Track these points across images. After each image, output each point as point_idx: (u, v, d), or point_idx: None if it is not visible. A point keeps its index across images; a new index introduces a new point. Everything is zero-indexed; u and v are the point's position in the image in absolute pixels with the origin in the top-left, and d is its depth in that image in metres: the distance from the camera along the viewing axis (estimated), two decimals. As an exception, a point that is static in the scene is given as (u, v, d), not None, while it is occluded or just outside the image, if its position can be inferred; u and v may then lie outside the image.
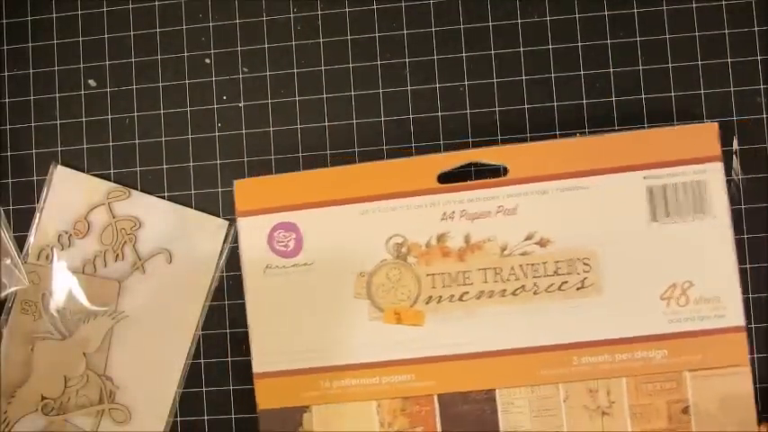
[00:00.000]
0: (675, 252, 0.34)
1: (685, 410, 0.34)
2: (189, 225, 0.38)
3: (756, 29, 0.37)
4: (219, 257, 0.38)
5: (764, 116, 0.37)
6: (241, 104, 0.39)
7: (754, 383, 0.36)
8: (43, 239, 0.38)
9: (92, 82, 0.39)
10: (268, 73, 0.39)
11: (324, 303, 0.35)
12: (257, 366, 0.35)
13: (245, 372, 0.37)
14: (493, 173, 0.36)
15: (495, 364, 0.35)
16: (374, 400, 0.35)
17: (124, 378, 0.38)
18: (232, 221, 0.38)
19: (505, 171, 0.35)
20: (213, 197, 0.38)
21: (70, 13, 0.40)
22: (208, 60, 0.39)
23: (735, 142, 0.37)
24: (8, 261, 0.38)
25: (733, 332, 0.34)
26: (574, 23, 0.38)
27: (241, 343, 0.37)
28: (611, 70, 0.37)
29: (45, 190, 0.39)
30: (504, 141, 0.37)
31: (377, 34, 0.38)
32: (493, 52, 0.38)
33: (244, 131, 0.39)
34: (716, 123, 0.34)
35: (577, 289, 0.34)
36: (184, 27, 0.39)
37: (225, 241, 0.38)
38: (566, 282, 0.35)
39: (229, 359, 0.38)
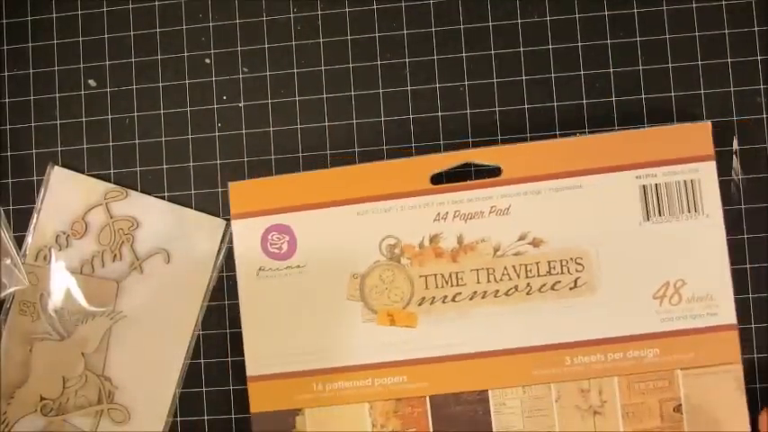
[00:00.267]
0: (668, 251, 0.34)
1: (677, 409, 0.34)
2: (186, 225, 0.38)
3: (756, 29, 0.37)
4: (217, 257, 0.38)
5: (764, 116, 0.37)
6: (241, 104, 0.39)
7: (755, 383, 0.36)
8: (41, 240, 0.38)
9: (92, 82, 0.39)
10: (268, 73, 0.39)
11: (317, 306, 0.35)
12: (251, 369, 0.35)
13: (244, 371, 0.36)
14: (489, 173, 0.36)
15: (487, 365, 0.35)
16: (367, 402, 0.35)
17: (123, 378, 0.38)
18: (230, 221, 0.38)
19: (499, 171, 0.35)
20: (213, 197, 0.38)
21: (70, 13, 0.40)
22: (208, 60, 0.39)
23: (735, 142, 0.37)
24: (8, 261, 0.38)
25: (725, 330, 0.34)
26: (574, 23, 0.38)
27: (240, 342, 0.37)
28: (611, 70, 0.37)
29: (42, 191, 0.39)
30: (505, 141, 0.37)
31: (377, 34, 0.38)
32: (493, 52, 0.38)
33: (244, 131, 0.39)
34: (709, 123, 0.34)
35: (570, 289, 0.34)
36: (184, 27, 0.39)
37: (222, 241, 0.38)
38: (559, 282, 0.35)
39: (229, 359, 0.38)
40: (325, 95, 0.38)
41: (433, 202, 0.35)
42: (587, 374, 0.34)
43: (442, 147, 0.38)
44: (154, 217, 0.38)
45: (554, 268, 0.35)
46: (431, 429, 0.35)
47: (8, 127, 0.40)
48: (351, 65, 0.38)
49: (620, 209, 0.35)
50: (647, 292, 0.34)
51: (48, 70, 0.40)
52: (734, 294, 0.34)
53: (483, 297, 0.35)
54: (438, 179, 0.36)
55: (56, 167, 0.39)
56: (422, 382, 0.35)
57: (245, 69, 0.39)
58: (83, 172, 0.39)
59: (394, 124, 0.38)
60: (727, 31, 0.37)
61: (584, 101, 0.37)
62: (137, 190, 0.39)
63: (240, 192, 0.36)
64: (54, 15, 0.40)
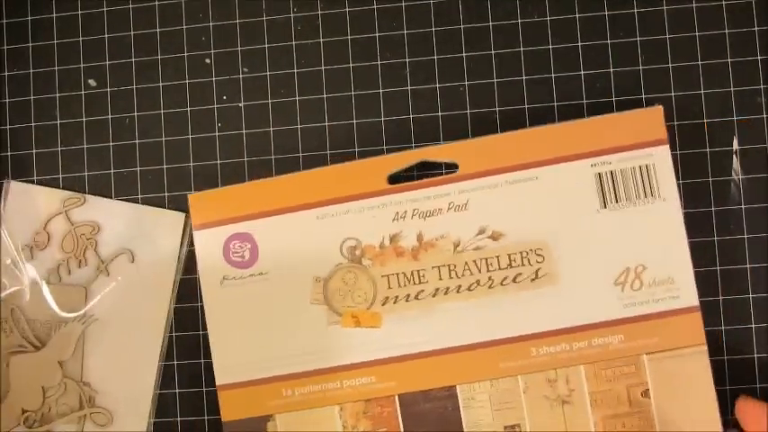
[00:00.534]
0: (627, 237, 0.34)
1: (645, 394, 0.34)
2: (146, 222, 0.38)
3: (756, 29, 0.37)
4: (180, 249, 0.38)
5: (764, 116, 0.37)
6: (241, 104, 0.39)
7: (755, 383, 0.36)
8: (6, 256, 0.38)
9: (92, 82, 0.39)
10: (268, 73, 0.39)
11: (282, 312, 0.35)
12: (220, 378, 0.35)
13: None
14: (448, 170, 0.36)
15: (454, 361, 0.35)
16: (337, 405, 0.35)
17: (101, 382, 0.38)
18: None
19: (456, 167, 0.35)
20: (213, 197, 0.38)
21: (70, 13, 0.40)
22: (208, 60, 0.39)
23: (735, 142, 0.37)
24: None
25: (688, 312, 0.34)
26: (574, 23, 0.38)
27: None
28: (611, 70, 0.37)
29: (1, 207, 0.39)
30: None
31: (377, 34, 0.38)
32: (493, 52, 0.38)
33: (244, 131, 0.39)
34: (660, 107, 0.34)
35: (532, 280, 0.35)
36: (184, 27, 0.39)
37: (184, 233, 0.38)
38: (520, 274, 0.35)
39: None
40: (325, 95, 0.38)
41: (391, 202, 0.35)
42: (554, 364, 0.34)
43: (442, 147, 0.38)
44: (114, 219, 0.39)
45: (514, 261, 0.35)
46: (401, 428, 0.35)
47: (8, 127, 0.40)
48: (351, 65, 0.38)
49: (576, 198, 0.35)
50: (608, 279, 0.34)
51: (48, 70, 0.40)
52: (734, 294, 0.34)
53: (446, 293, 0.35)
54: (396, 179, 0.36)
55: (12, 182, 0.39)
56: (390, 382, 0.35)
57: (245, 69, 0.39)
58: (83, 172, 0.39)
59: (394, 124, 0.38)
60: (727, 31, 0.37)
61: (584, 101, 0.37)
62: (137, 190, 0.39)
63: (200, 202, 0.36)
64: (54, 15, 0.40)
